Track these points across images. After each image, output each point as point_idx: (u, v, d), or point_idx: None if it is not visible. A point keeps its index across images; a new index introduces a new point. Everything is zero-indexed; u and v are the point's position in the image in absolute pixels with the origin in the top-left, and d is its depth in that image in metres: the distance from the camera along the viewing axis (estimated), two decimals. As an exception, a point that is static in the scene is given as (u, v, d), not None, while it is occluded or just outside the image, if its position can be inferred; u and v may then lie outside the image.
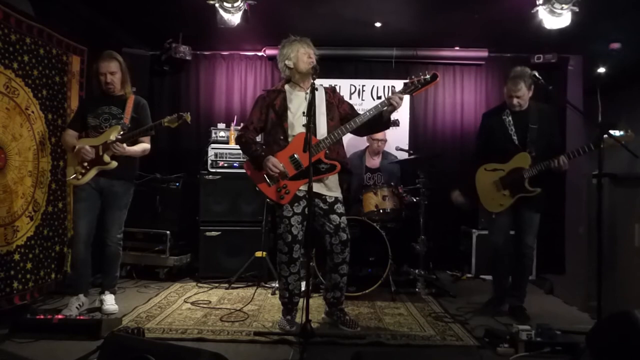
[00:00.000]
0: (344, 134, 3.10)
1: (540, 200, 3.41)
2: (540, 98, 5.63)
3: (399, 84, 5.53)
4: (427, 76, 2.97)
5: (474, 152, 3.76)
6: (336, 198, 3.18)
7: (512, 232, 3.57)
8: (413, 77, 3.00)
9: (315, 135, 3.06)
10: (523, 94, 3.37)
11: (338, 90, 5.51)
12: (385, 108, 3.04)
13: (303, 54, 3.14)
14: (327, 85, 3.41)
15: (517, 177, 3.36)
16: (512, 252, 3.52)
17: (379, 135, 4.73)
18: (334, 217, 3.12)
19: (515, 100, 3.40)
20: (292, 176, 3.08)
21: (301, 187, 3.08)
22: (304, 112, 3.06)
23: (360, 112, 3.16)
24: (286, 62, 3.17)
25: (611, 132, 2.98)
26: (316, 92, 3.00)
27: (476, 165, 3.59)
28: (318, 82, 3.00)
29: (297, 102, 3.16)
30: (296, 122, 3.12)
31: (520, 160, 3.37)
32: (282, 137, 3.12)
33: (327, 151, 3.09)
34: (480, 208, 3.57)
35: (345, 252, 3.16)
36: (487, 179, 3.50)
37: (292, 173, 3.08)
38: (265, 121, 3.19)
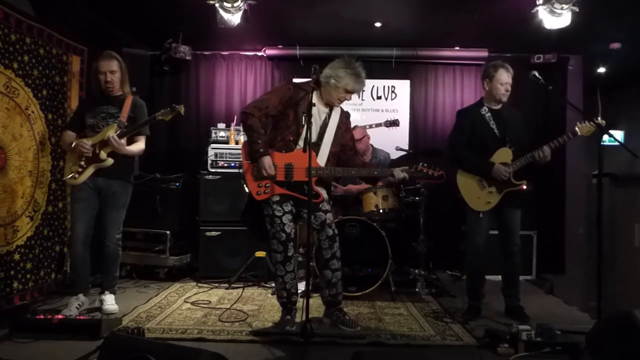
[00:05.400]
0: (341, 175, 3.13)
1: (520, 196, 3.40)
2: (540, 98, 5.61)
3: (399, 84, 5.59)
4: (436, 173, 3.13)
5: (455, 148, 3.48)
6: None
7: (493, 232, 3.53)
8: (425, 166, 3.13)
9: (317, 153, 3.11)
10: (510, 85, 3.38)
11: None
12: (387, 177, 3.19)
13: (341, 93, 3.12)
14: (345, 110, 3.37)
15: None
16: (486, 253, 3.47)
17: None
18: (319, 214, 3.15)
19: (504, 89, 3.37)
20: (278, 181, 3.09)
21: (282, 193, 3.09)
22: (303, 112, 3.05)
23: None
24: (329, 77, 3.10)
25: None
26: (333, 113, 3.18)
27: (463, 158, 3.44)
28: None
29: (317, 116, 3.14)
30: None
31: (502, 155, 3.35)
32: (291, 139, 3.11)
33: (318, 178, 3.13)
34: (467, 210, 3.46)
35: (334, 247, 3.18)
36: (469, 178, 3.43)
37: (280, 178, 3.09)
38: (281, 112, 3.14)
